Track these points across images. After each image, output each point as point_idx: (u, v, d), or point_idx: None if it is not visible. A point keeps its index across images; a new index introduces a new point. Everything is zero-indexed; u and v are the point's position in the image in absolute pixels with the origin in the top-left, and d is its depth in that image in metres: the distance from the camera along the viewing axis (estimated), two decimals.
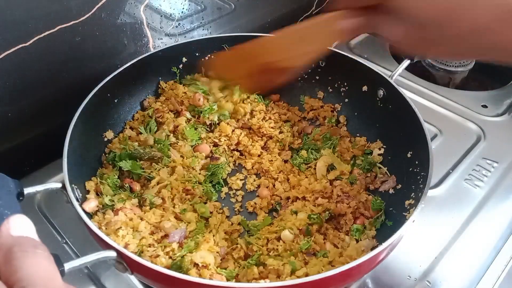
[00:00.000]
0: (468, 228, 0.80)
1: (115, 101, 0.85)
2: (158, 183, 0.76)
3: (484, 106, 1.06)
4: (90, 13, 0.81)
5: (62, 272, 0.45)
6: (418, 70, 1.17)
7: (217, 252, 0.68)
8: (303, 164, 0.84)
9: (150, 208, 0.72)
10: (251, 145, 0.87)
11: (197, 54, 0.93)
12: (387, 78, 0.84)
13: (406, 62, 0.87)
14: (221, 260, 0.68)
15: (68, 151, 0.67)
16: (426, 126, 0.74)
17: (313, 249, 0.69)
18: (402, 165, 0.78)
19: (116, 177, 0.75)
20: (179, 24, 1.00)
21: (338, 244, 0.70)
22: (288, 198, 0.79)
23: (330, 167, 0.83)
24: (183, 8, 0.99)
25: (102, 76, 0.80)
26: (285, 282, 0.53)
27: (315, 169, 0.83)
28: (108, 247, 0.55)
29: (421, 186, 0.67)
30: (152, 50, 0.91)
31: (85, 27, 0.81)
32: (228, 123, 0.88)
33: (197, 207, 0.74)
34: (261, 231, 0.73)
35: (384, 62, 1.17)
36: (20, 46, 0.74)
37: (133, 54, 0.92)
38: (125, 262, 0.55)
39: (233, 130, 0.89)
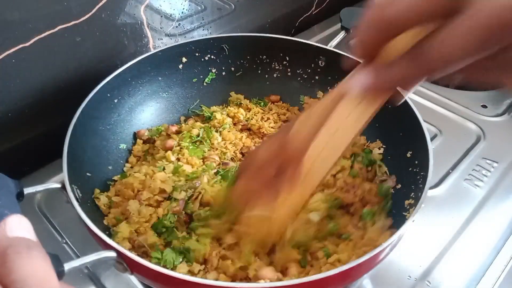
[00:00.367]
0: (468, 228, 0.80)
1: (115, 101, 0.85)
2: None
3: (484, 106, 1.06)
4: (90, 13, 0.81)
5: (62, 272, 0.45)
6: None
7: None
8: None
9: None
10: (253, 146, 0.87)
11: (197, 54, 0.94)
12: None
13: None
14: None
15: (68, 151, 0.67)
16: (426, 126, 0.74)
17: (338, 232, 0.70)
18: (402, 165, 0.78)
19: None
20: (179, 24, 1.00)
21: (356, 226, 0.71)
22: None
23: None
24: (183, 9, 0.99)
25: (102, 76, 0.80)
26: (285, 282, 0.53)
27: None
28: (108, 247, 0.55)
29: (421, 186, 0.67)
30: (152, 50, 0.91)
31: (85, 27, 0.81)
32: (229, 131, 0.88)
33: None
34: None
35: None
36: (20, 46, 0.74)
37: (133, 54, 0.92)
38: (125, 262, 0.55)
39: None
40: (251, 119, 0.91)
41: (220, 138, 0.87)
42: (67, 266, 0.47)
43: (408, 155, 0.77)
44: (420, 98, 1.07)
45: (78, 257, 0.72)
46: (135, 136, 0.88)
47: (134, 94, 0.88)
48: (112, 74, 0.81)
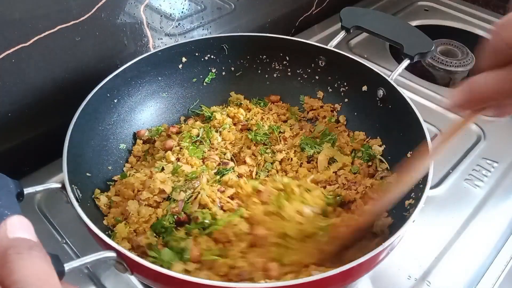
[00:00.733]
0: (468, 228, 0.80)
1: (115, 101, 0.85)
2: None
3: None
4: (90, 13, 0.81)
5: (62, 273, 0.45)
6: (418, 70, 1.17)
7: None
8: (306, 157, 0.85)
9: None
10: (253, 146, 0.87)
11: (196, 54, 0.94)
12: (387, 78, 0.84)
13: (406, 62, 0.87)
14: None
15: (68, 151, 0.67)
16: (426, 126, 0.74)
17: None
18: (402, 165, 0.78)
19: None
20: (179, 24, 1.00)
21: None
22: None
23: (331, 160, 0.84)
24: (183, 8, 0.99)
25: (102, 76, 0.80)
26: (285, 282, 0.53)
27: (316, 163, 0.83)
28: (108, 247, 0.55)
29: (421, 186, 0.67)
30: (152, 50, 0.91)
31: (85, 27, 0.81)
32: (229, 131, 0.88)
33: None
34: None
35: (384, 62, 1.17)
36: (20, 46, 0.74)
37: (133, 54, 0.92)
38: (125, 263, 0.55)
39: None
40: (251, 119, 0.91)
41: (220, 138, 0.87)
42: (67, 266, 0.47)
43: (409, 155, 0.77)
44: (420, 98, 1.07)
45: (78, 257, 0.72)
46: (135, 136, 0.88)
47: (134, 94, 0.88)
48: (111, 74, 0.81)
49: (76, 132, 0.71)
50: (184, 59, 0.93)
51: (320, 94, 0.96)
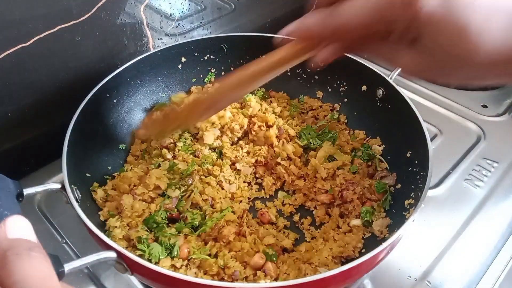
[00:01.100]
0: (468, 228, 0.80)
1: (114, 101, 0.85)
2: None
3: (484, 106, 1.06)
4: (90, 13, 0.81)
5: (62, 273, 0.45)
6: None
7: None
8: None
9: None
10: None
11: (196, 54, 0.94)
12: (386, 77, 0.84)
13: None
14: None
15: (68, 152, 0.67)
16: (426, 126, 0.74)
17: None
18: (402, 165, 0.78)
19: None
20: (179, 24, 1.00)
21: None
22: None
23: (331, 159, 0.84)
24: (183, 8, 0.99)
25: (102, 76, 0.80)
26: (285, 282, 0.53)
27: (315, 158, 0.84)
28: (108, 247, 0.55)
29: (421, 186, 0.67)
30: (152, 50, 0.91)
31: (85, 27, 0.81)
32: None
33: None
34: None
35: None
36: (20, 46, 0.74)
37: (133, 54, 0.92)
38: (125, 263, 0.55)
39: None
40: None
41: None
42: (67, 267, 0.47)
43: (408, 155, 0.77)
44: (420, 98, 1.07)
45: (78, 257, 0.72)
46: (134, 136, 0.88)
47: (134, 94, 0.88)
48: (111, 74, 0.82)
49: (76, 132, 0.71)
50: (183, 59, 0.93)
51: (320, 94, 0.96)
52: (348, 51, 0.52)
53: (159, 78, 0.92)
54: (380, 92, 0.86)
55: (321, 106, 0.95)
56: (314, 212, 0.77)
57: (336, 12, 0.47)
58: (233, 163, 0.83)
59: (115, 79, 0.82)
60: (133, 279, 0.71)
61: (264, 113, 0.89)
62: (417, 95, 1.07)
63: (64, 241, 0.75)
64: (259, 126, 0.86)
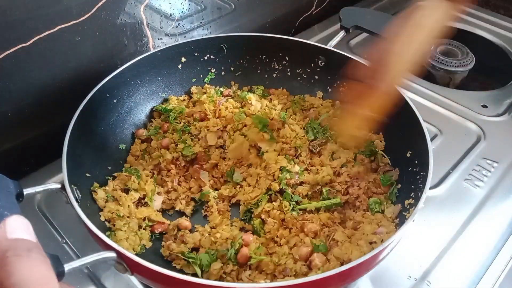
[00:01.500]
0: (468, 228, 0.80)
1: (114, 101, 0.85)
2: None
3: (484, 106, 1.06)
4: (90, 13, 0.81)
5: (62, 273, 0.45)
6: (418, 70, 1.17)
7: None
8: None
9: None
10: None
11: (196, 54, 0.94)
12: None
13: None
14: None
15: (68, 152, 0.67)
16: (426, 126, 0.74)
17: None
18: (402, 165, 0.78)
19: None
20: (179, 24, 1.00)
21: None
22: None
23: (334, 157, 0.84)
24: (183, 8, 0.99)
25: (102, 76, 0.80)
26: (285, 282, 0.53)
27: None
28: (108, 247, 0.55)
29: (421, 186, 0.67)
30: (152, 50, 0.91)
31: (85, 27, 0.81)
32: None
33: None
34: None
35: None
36: (20, 46, 0.74)
37: (133, 54, 0.92)
38: (125, 263, 0.55)
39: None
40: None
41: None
42: (67, 267, 0.47)
43: (408, 155, 0.77)
44: (420, 98, 1.07)
45: (78, 257, 0.72)
46: (134, 136, 0.88)
47: (134, 94, 0.88)
48: (111, 74, 0.81)
49: (76, 132, 0.71)
50: (183, 59, 0.93)
51: (320, 93, 0.96)
52: None
53: (159, 78, 0.92)
54: None
55: (321, 105, 0.94)
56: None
57: None
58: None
59: (115, 79, 0.82)
60: (133, 279, 0.71)
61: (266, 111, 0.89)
62: (417, 95, 1.07)
63: (64, 241, 0.75)
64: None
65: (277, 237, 0.71)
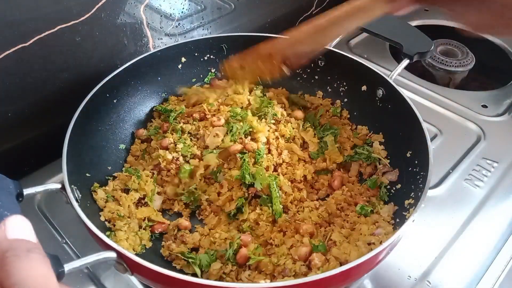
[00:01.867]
0: (468, 228, 0.80)
1: (114, 101, 0.85)
2: None
3: (484, 106, 1.06)
4: (90, 13, 0.81)
5: (62, 273, 0.45)
6: (418, 70, 1.17)
7: None
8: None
9: None
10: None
11: (196, 54, 0.94)
12: (386, 78, 0.84)
13: (405, 62, 0.87)
14: None
15: (68, 152, 0.67)
16: (426, 126, 0.74)
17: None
18: (402, 165, 0.78)
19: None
20: (179, 24, 1.00)
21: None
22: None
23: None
24: (183, 8, 0.99)
25: (102, 76, 0.80)
26: (285, 282, 0.53)
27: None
28: (108, 248, 0.55)
29: (421, 185, 0.67)
30: (152, 50, 0.91)
31: (85, 27, 0.81)
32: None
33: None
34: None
35: (383, 62, 1.17)
36: (20, 46, 0.74)
37: (133, 54, 0.92)
38: (125, 263, 0.55)
39: None
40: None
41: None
42: (67, 267, 0.47)
43: (408, 155, 0.77)
44: (420, 98, 1.07)
45: (78, 257, 0.72)
46: (134, 136, 0.88)
47: (134, 94, 0.88)
48: (111, 74, 0.82)
49: (76, 132, 0.71)
50: (183, 59, 0.93)
51: (320, 93, 0.96)
52: (421, 2, 0.55)
53: (159, 78, 0.92)
54: (380, 92, 0.86)
55: (321, 104, 0.94)
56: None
57: None
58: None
59: (115, 79, 0.82)
60: (133, 279, 0.71)
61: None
62: (417, 95, 1.07)
63: (64, 241, 0.75)
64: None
65: (271, 239, 0.71)
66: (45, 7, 0.74)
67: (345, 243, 0.68)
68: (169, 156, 0.81)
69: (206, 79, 0.97)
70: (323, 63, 0.94)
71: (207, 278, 0.66)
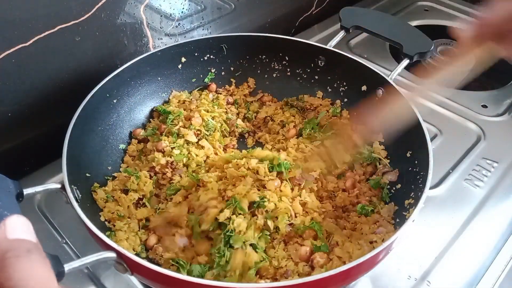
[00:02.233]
0: (468, 228, 0.80)
1: (114, 101, 0.85)
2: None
3: (484, 106, 1.06)
4: (90, 13, 0.81)
5: (62, 273, 0.45)
6: (418, 70, 1.17)
7: None
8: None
9: None
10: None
11: (196, 54, 0.94)
12: (386, 77, 0.84)
13: (405, 62, 0.87)
14: None
15: (68, 152, 0.67)
16: (426, 126, 0.74)
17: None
18: (402, 165, 0.78)
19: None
20: (179, 24, 1.00)
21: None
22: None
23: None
24: (183, 8, 0.99)
25: (102, 76, 0.80)
26: (285, 282, 0.53)
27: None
28: (108, 248, 0.55)
29: (421, 186, 0.67)
30: (152, 50, 0.91)
31: (85, 27, 0.81)
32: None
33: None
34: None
35: (383, 62, 1.17)
36: (20, 46, 0.74)
37: (133, 54, 0.92)
38: (125, 263, 0.55)
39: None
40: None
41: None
42: (67, 267, 0.47)
43: (408, 155, 0.77)
44: (420, 98, 1.07)
45: (78, 257, 0.72)
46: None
47: (134, 94, 0.88)
48: (111, 74, 0.81)
49: (76, 132, 0.71)
50: (183, 59, 0.93)
51: (320, 94, 0.96)
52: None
53: (159, 78, 0.92)
54: (380, 92, 0.86)
55: (320, 104, 0.94)
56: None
57: None
58: None
59: (115, 79, 0.82)
60: (133, 279, 0.71)
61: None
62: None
63: (64, 241, 0.75)
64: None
65: (273, 248, 0.69)
66: (45, 7, 0.74)
67: (347, 243, 0.68)
68: (163, 161, 0.79)
69: (206, 79, 0.97)
70: (323, 63, 0.94)
71: None
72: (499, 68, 1.23)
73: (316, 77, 0.96)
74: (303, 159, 0.81)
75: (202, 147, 0.84)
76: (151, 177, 0.79)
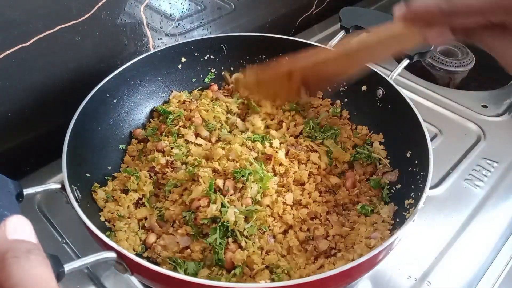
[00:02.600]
0: (468, 228, 0.80)
1: (114, 101, 0.85)
2: None
3: (484, 106, 1.06)
4: (90, 13, 0.81)
5: (62, 273, 0.45)
6: (418, 70, 1.17)
7: None
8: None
9: None
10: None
11: (196, 54, 0.94)
12: (386, 77, 0.84)
13: (405, 62, 0.87)
14: None
15: (68, 152, 0.67)
16: (426, 126, 0.74)
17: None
18: (402, 165, 0.78)
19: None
20: (179, 24, 1.00)
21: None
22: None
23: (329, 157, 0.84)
24: (183, 8, 0.99)
25: (102, 76, 0.80)
26: (285, 282, 0.53)
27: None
28: (108, 248, 0.55)
29: (421, 186, 0.67)
30: (152, 50, 0.91)
31: (85, 27, 0.81)
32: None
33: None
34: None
35: (383, 62, 1.17)
36: (20, 46, 0.74)
37: (133, 54, 0.92)
38: (125, 263, 0.55)
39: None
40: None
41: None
42: (67, 267, 0.47)
43: (408, 155, 0.77)
44: (420, 98, 1.07)
45: (78, 257, 0.72)
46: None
47: (134, 94, 0.88)
48: (111, 74, 0.81)
49: (76, 132, 0.71)
50: (183, 59, 0.93)
51: (319, 94, 0.96)
52: (458, 37, 0.51)
53: (159, 78, 0.92)
54: (380, 92, 0.86)
55: (320, 104, 0.94)
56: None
57: None
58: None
59: (115, 79, 0.82)
60: (133, 279, 0.71)
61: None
62: (417, 95, 1.07)
63: (64, 241, 0.75)
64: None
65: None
66: (45, 7, 0.74)
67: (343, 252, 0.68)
68: (163, 161, 0.79)
69: (206, 79, 0.97)
70: None
71: None
72: (499, 68, 1.24)
73: None
74: None
75: (200, 144, 0.84)
76: (151, 177, 0.78)
